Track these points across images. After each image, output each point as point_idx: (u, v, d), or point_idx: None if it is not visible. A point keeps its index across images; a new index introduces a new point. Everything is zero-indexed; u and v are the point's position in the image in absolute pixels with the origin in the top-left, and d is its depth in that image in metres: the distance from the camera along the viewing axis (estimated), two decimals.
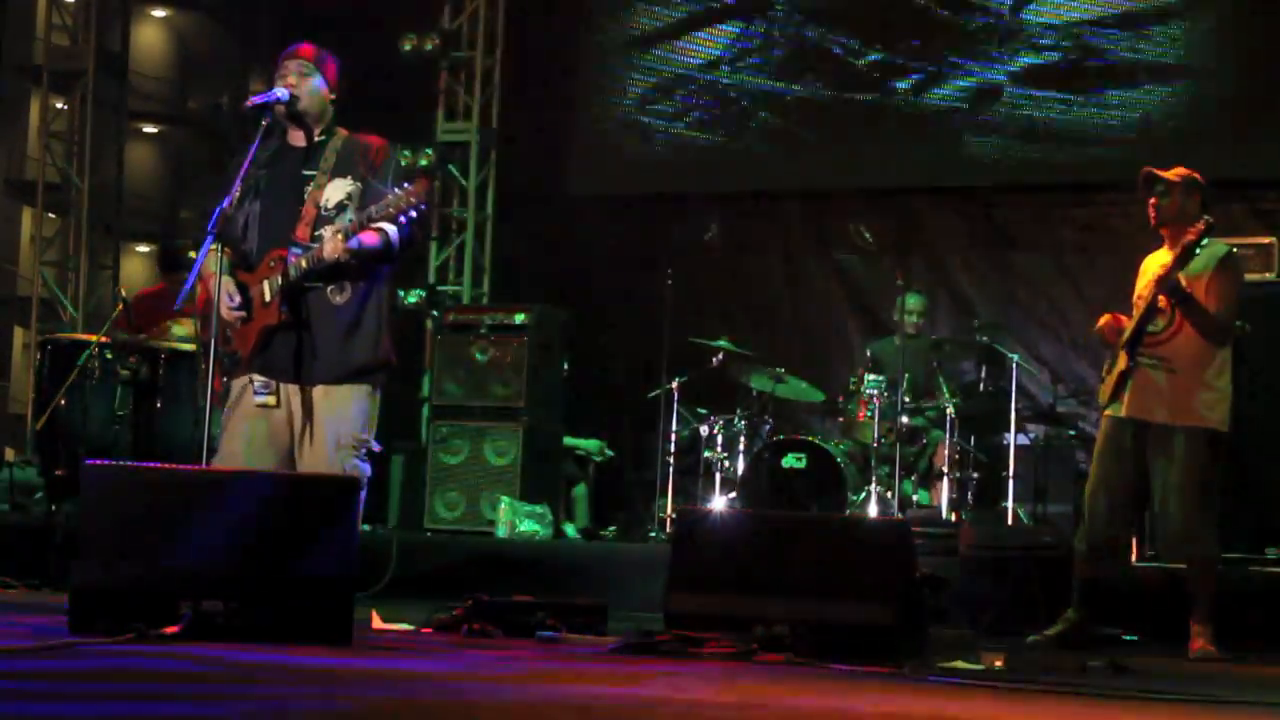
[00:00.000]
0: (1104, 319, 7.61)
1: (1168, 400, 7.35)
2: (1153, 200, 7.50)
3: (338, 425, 6.40)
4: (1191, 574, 7.43)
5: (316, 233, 6.35)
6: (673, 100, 13.08)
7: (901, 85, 12.39)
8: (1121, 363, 7.41)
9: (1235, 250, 7.61)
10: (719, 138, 12.92)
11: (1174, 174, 7.49)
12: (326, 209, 6.41)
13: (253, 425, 6.43)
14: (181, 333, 9.70)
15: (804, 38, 12.70)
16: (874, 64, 12.46)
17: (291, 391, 6.42)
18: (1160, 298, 7.31)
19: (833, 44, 12.59)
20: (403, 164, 6.68)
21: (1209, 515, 7.36)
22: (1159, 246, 7.62)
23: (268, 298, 6.38)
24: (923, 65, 12.33)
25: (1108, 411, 7.58)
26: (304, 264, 6.31)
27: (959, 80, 12.19)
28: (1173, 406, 7.35)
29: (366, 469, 6.43)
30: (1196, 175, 7.55)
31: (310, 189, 6.45)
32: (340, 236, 6.22)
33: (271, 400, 6.39)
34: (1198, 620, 7.34)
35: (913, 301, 10.73)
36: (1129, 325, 7.43)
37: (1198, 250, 7.28)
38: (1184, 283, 7.26)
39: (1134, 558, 8.45)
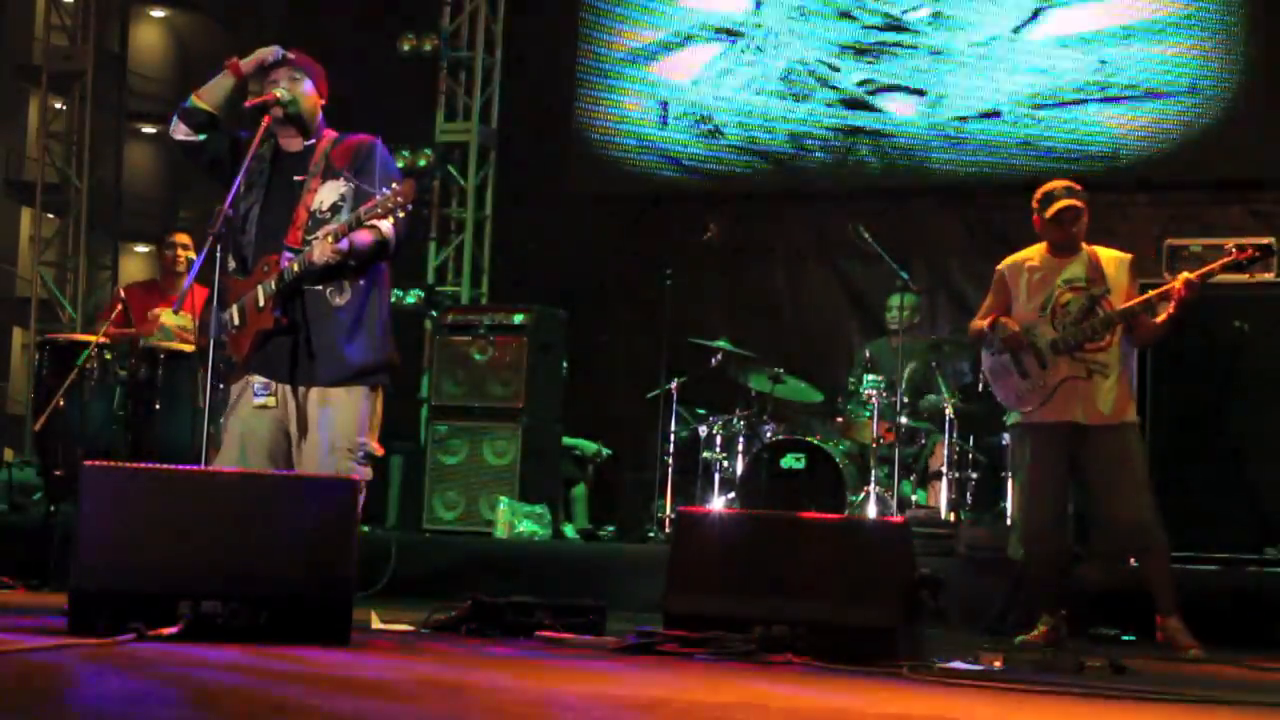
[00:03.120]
0: (1012, 325, 7.68)
1: (1103, 401, 7.54)
2: (1081, 223, 7.66)
3: (334, 429, 6.41)
4: (1153, 565, 7.54)
5: (308, 237, 6.37)
6: (672, 100, 13.08)
7: (901, 84, 12.40)
8: (1066, 369, 7.50)
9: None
10: (718, 137, 12.93)
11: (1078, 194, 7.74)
12: (320, 212, 6.43)
13: (251, 426, 6.44)
14: (170, 321, 9.70)
15: (802, 42, 12.71)
16: (872, 73, 12.49)
17: (290, 393, 6.44)
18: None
19: (830, 54, 12.61)
20: (399, 164, 6.66)
21: (1154, 504, 7.54)
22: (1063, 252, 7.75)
23: (261, 302, 6.40)
24: (921, 66, 12.36)
25: (1040, 418, 7.65)
26: (295, 268, 6.33)
27: (959, 80, 12.21)
28: (1116, 405, 7.55)
29: (366, 472, 6.43)
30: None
31: (303, 193, 6.47)
32: (330, 239, 6.23)
33: (271, 401, 6.40)
34: (1167, 612, 7.40)
35: (904, 301, 10.72)
36: (1066, 332, 7.55)
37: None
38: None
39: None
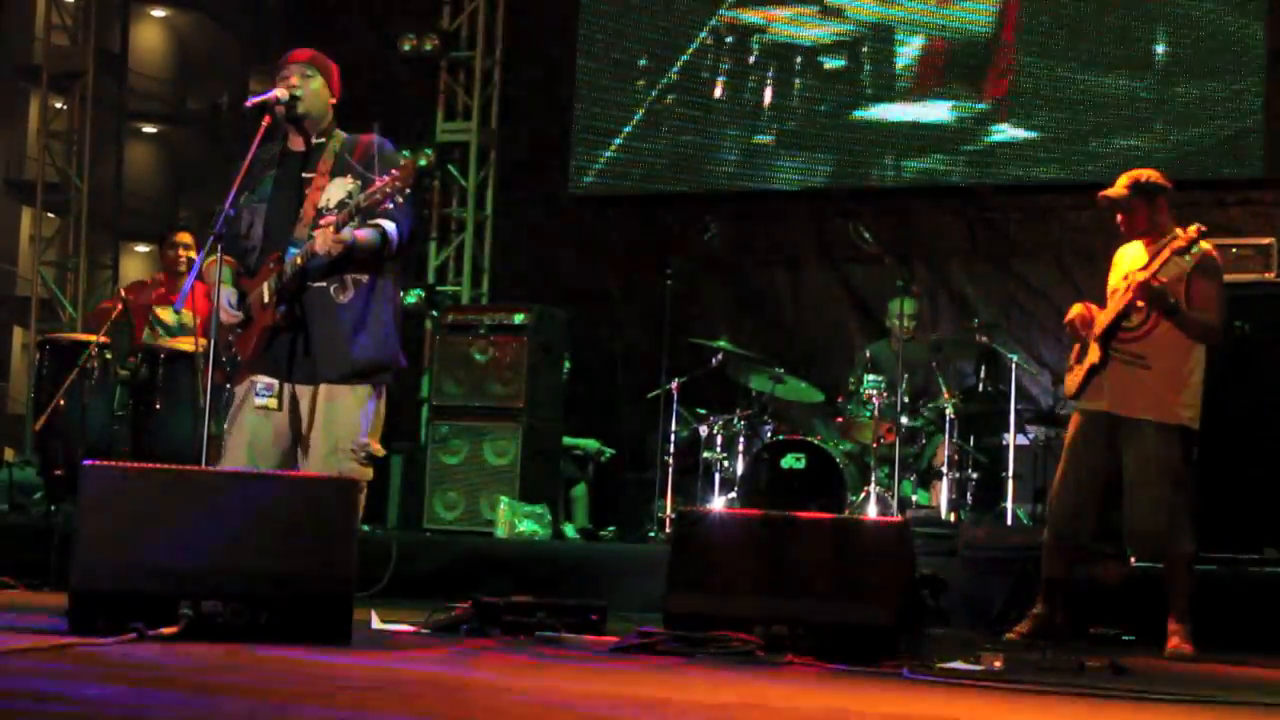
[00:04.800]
0: (1076, 309, 7.64)
1: (1142, 395, 7.39)
2: (1120, 218, 7.57)
3: (339, 430, 6.41)
4: (1168, 571, 7.44)
5: (313, 232, 6.37)
6: (672, 100, 13.11)
7: (900, 87, 12.43)
8: (1094, 355, 7.47)
9: (1211, 250, 7.57)
10: (719, 138, 12.95)
11: (1124, 186, 7.55)
12: (328, 208, 6.41)
13: (255, 427, 6.44)
14: (169, 319, 9.74)
15: (803, 44, 12.73)
16: (873, 72, 12.51)
17: (294, 392, 6.44)
18: (1139, 301, 7.34)
19: (831, 51, 12.64)
20: (393, 153, 6.64)
21: (1182, 511, 7.38)
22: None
23: (266, 299, 6.40)
24: (922, 69, 12.38)
25: (1081, 404, 7.63)
26: (299, 261, 6.33)
27: (958, 82, 12.23)
28: (1146, 401, 7.38)
29: (367, 473, 6.44)
30: (1152, 177, 7.61)
31: (309, 191, 6.47)
32: (331, 229, 6.23)
33: (273, 403, 6.40)
34: (1175, 619, 7.37)
35: (904, 306, 10.74)
36: (1103, 318, 7.47)
37: (1187, 258, 7.33)
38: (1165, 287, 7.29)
39: (1133, 560, 8.48)
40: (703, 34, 13.07)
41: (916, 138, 12.36)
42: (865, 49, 12.55)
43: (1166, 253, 7.33)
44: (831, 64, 12.67)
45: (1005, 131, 12.08)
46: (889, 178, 12.47)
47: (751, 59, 12.89)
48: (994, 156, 12.13)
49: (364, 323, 6.45)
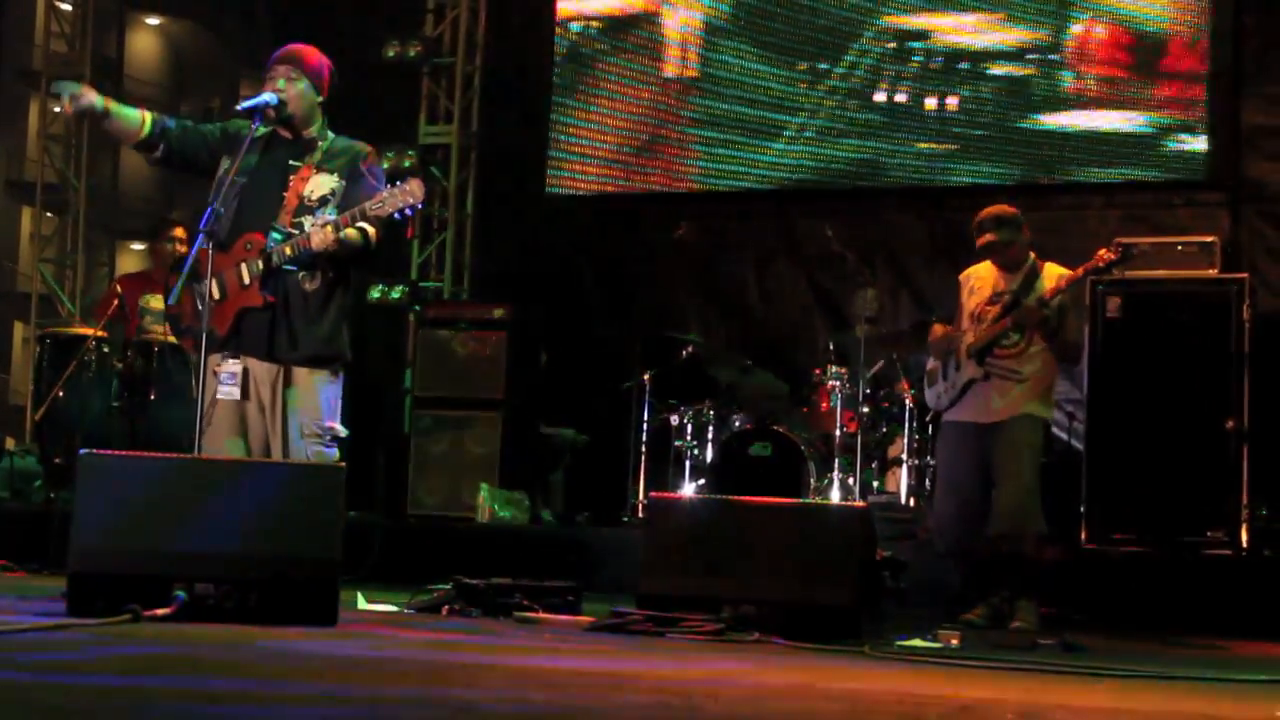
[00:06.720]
0: (939, 329, 8.00)
1: (1013, 401, 7.70)
2: (1006, 242, 7.86)
3: (302, 415, 6.47)
4: (1025, 549, 7.60)
5: (296, 220, 6.46)
6: (646, 102, 13.24)
7: (862, 88, 12.59)
8: (972, 371, 7.77)
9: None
10: (691, 139, 13.06)
11: (999, 221, 7.88)
12: (309, 200, 6.50)
13: (224, 415, 6.47)
14: (159, 306, 9.88)
15: (776, 43, 12.88)
16: (838, 70, 12.66)
17: (259, 376, 6.47)
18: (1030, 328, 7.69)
19: (799, 51, 12.79)
20: (384, 164, 6.76)
21: (1038, 494, 7.65)
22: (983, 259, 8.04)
23: (247, 280, 6.43)
24: (884, 69, 12.55)
25: (951, 417, 7.92)
26: (288, 251, 6.40)
27: (921, 84, 12.40)
28: (1017, 404, 7.69)
29: (333, 453, 6.49)
30: (1014, 211, 7.99)
31: (294, 179, 6.54)
32: (330, 229, 6.30)
33: (236, 394, 6.43)
34: (1026, 596, 7.54)
35: (868, 296, 10.89)
36: (977, 337, 7.80)
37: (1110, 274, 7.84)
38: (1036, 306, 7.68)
39: (1084, 539, 8.73)
40: (677, 36, 13.19)
41: (881, 137, 12.55)
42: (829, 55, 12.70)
43: (1079, 272, 7.74)
44: (801, 68, 12.83)
45: (968, 131, 12.27)
46: (854, 177, 12.66)
47: (722, 61, 13.02)
48: (955, 159, 12.34)
49: (325, 311, 6.52)
